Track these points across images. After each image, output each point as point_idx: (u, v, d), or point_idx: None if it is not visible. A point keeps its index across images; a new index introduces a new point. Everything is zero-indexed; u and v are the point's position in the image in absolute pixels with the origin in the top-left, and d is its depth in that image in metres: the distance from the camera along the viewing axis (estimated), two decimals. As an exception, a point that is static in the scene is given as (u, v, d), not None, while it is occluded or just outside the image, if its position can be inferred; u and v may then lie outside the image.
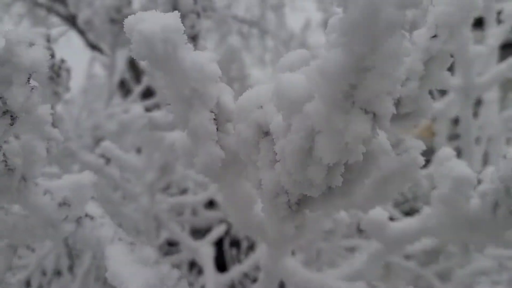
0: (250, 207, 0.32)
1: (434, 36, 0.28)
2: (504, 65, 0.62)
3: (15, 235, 0.32)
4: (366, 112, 0.17)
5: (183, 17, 0.49)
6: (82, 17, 0.88)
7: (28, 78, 0.24)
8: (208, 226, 0.96)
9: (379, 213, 0.40)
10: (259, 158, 0.26)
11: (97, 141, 0.78)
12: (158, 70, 0.25)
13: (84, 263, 0.93)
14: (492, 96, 0.86)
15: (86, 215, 0.36)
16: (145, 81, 1.00)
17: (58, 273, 1.09)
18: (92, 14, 0.86)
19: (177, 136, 0.64)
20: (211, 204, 1.10)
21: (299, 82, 0.19)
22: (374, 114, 0.18)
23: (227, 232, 1.53)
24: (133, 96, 1.00)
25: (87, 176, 0.35)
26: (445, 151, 0.38)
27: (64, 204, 0.34)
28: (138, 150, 1.05)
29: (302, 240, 0.35)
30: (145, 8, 0.91)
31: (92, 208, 0.39)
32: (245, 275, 1.06)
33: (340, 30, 0.15)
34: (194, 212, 0.93)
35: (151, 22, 0.24)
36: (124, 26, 0.25)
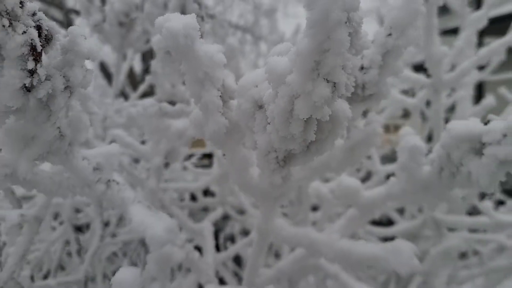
0: (247, 169, 0.40)
1: (389, 35, 0.37)
2: (467, 63, 0.71)
3: (60, 191, 0.40)
4: (327, 81, 0.26)
5: (190, 20, 0.58)
6: (92, 21, 0.96)
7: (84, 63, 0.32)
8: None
9: (353, 181, 0.49)
10: (255, 125, 0.34)
11: (106, 131, 0.85)
12: (180, 57, 0.33)
13: (92, 246, 1.00)
14: (466, 94, 0.96)
15: (113, 180, 0.44)
16: (148, 79, 1.08)
17: (68, 254, 1.16)
18: (102, 18, 0.95)
19: (181, 124, 0.72)
20: (206, 193, 1.19)
21: (283, 61, 0.27)
22: (334, 83, 0.26)
23: (222, 229, 1.61)
24: (138, 92, 1.08)
25: (115, 147, 0.43)
26: (406, 129, 0.46)
27: (97, 169, 0.42)
28: (143, 142, 1.13)
29: (287, 196, 0.43)
30: (149, 14, 1.00)
31: (116, 176, 0.47)
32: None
33: (307, 25, 0.23)
34: (193, 198, 1.01)
35: (175, 21, 0.32)
36: (155, 24, 0.33)
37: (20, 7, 0.27)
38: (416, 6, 0.35)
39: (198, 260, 0.56)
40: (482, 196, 0.98)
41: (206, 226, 0.70)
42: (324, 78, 0.25)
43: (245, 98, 0.34)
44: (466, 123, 0.37)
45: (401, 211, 1.12)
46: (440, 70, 0.69)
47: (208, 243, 0.69)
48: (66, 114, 0.35)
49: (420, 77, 0.74)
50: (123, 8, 0.89)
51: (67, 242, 1.31)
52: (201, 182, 0.91)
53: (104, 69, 3.62)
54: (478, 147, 0.36)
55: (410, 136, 0.42)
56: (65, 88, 0.32)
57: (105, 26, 0.96)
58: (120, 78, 1.04)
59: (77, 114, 0.36)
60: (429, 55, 0.66)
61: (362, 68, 0.38)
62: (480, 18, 0.75)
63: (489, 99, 0.89)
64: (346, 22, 0.23)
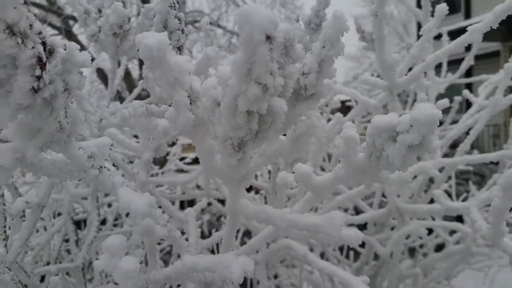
0: (213, 155, 0.48)
1: (323, 47, 0.45)
2: (417, 68, 0.79)
3: (60, 175, 0.48)
4: (258, 83, 0.34)
5: (171, 33, 0.66)
6: (89, 31, 1.04)
7: (80, 70, 0.40)
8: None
9: (306, 167, 0.57)
10: (214, 119, 0.43)
11: (102, 131, 0.93)
12: (155, 67, 0.42)
13: (89, 236, 1.08)
14: (423, 96, 1.05)
15: (105, 166, 0.52)
16: (141, 84, 1.16)
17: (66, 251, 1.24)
18: (98, 29, 1.03)
19: (167, 123, 0.80)
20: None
21: (228, 69, 0.35)
22: (265, 85, 0.35)
23: (208, 221, 1.69)
24: (131, 97, 1.17)
25: (106, 139, 0.52)
26: (347, 123, 0.55)
27: (91, 157, 0.50)
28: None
29: (248, 179, 0.51)
30: (141, 25, 1.08)
31: (107, 164, 0.55)
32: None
33: (240, 43, 0.32)
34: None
35: (150, 38, 0.40)
36: (136, 40, 0.42)
37: (29, 28, 0.36)
38: (341, 25, 0.43)
39: (180, 238, 0.65)
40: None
41: (190, 212, 0.78)
42: (255, 81, 0.34)
43: (207, 97, 0.43)
44: (387, 117, 0.45)
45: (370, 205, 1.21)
46: (393, 74, 0.78)
47: (191, 227, 0.77)
48: (65, 111, 0.43)
49: (378, 80, 0.82)
50: (117, 20, 0.98)
51: (66, 241, 1.38)
52: (188, 177, 0.99)
53: (102, 75, 3.71)
54: (394, 135, 0.45)
55: (348, 128, 0.51)
56: (64, 90, 0.40)
57: (101, 36, 1.04)
58: (115, 82, 1.12)
59: (74, 111, 0.44)
60: (382, 61, 0.75)
61: (303, 73, 0.47)
62: (430, 28, 0.84)
63: (443, 101, 0.98)
64: (266, 41, 0.32)
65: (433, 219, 1.27)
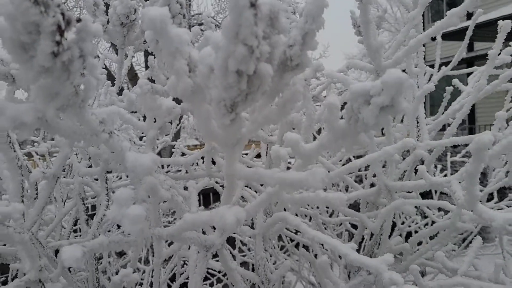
0: (209, 120, 0.54)
1: (306, 22, 0.51)
2: (400, 52, 0.85)
3: (75, 137, 0.54)
4: (245, 44, 0.39)
5: (173, 17, 0.72)
6: (98, 22, 1.10)
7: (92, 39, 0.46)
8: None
9: (294, 135, 0.62)
10: (210, 84, 0.48)
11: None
12: (157, 37, 0.47)
13: (99, 214, 1.14)
14: (412, 82, 1.10)
15: (114, 132, 0.58)
16: (146, 73, 1.22)
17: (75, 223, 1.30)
18: (107, 20, 1.09)
19: (170, 103, 0.86)
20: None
21: (219, 35, 0.41)
22: (251, 46, 0.40)
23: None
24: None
25: (114, 108, 0.57)
26: (330, 93, 0.60)
27: (102, 122, 0.56)
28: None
29: (242, 143, 0.57)
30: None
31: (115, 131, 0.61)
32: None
33: (228, 9, 0.37)
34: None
35: (154, 11, 0.46)
36: (141, 14, 0.47)
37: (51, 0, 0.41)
38: (321, 2, 0.49)
39: (182, 203, 0.70)
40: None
41: (191, 184, 0.84)
42: (242, 43, 0.39)
43: (203, 64, 0.48)
44: (362, 83, 0.51)
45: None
46: (379, 57, 0.83)
47: (193, 198, 0.83)
48: (80, 77, 0.48)
49: (366, 64, 0.87)
50: (124, 10, 1.03)
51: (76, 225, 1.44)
52: (190, 157, 1.05)
53: (107, 72, 3.79)
54: (368, 99, 0.50)
55: (330, 96, 0.56)
56: (80, 56, 0.45)
57: (109, 27, 1.10)
58: (123, 72, 1.18)
59: (88, 78, 0.50)
60: (368, 45, 0.80)
61: (289, 46, 0.52)
62: (415, 16, 0.89)
63: (429, 85, 1.03)
64: (251, 8, 0.37)
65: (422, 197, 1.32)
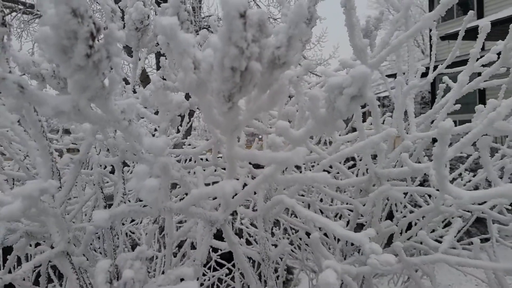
0: (211, 109, 0.64)
1: (290, 27, 0.61)
2: (384, 51, 0.94)
3: (101, 123, 0.65)
4: (236, 46, 0.50)
5: (182, 22, 0.83)
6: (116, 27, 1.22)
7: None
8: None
9: (284, 123, 0.73)
10: (211, 78, 0.59)
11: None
12: (168, 41, 0.58)
13: (116, 201, 1.26)
14: (400, 79, 1.20)
15: (133, 120, 0.69)
16: (158, 73, 1.34)
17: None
18: (123, 25, 1.21)
19: (180, 98, 0.97)
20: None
21: (216, 39, 0.52)
22: (241, 48, 0.51)
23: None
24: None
25: (133, 100, 0.68)
26: (315, 86, 0.70)
27: (123, 112, 0.67)
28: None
29: (239, 129, 0.68)
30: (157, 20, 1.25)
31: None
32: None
33: (222, 18, 0.48)
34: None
35: (166, 20, 0.57)
36: (154, 20, 0.58)
37: (85, 12, 0.52)
38: (301, 11, 0.59)
39: (190, 183, 0.81)
40: None
41: (199, 170, 0.95)
42: (234, 45, 0.50)
43: (205, 62, 0.59)
44: (337, 77, 0.61)
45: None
46: (364, 56, 0.93)
47: (199, 181, 0.94)
48: (106, 73, 0.60)
49: (354, 62, 0.98)
50: (139, 17, 1.15)
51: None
52: (198, 148, 1.16)
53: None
54: (341, 90, 0.60)
55: (313, 90, 0.67)
56: (107, 57, 0.57)
57: (125, 31, 1.22)
58: (137, 72, 1.29)
59: (112, 74, 0.61)
60: (354, 46, 0.90)
61: (277, 47, 0.63)
62: (398, 19, 0.99)
63: (415, 81, 1.13)
64: (240, 18, 0.48)
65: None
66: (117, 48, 0.57)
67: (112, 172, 1.55)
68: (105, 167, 1.60)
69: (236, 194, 0.82)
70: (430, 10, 18.60)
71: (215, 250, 2.79)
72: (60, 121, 0.66)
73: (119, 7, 1.27)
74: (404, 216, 1.29)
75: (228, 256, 2.48)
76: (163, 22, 0.56)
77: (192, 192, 0.70)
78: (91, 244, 1.55)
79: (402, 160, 0.98)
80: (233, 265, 2.48)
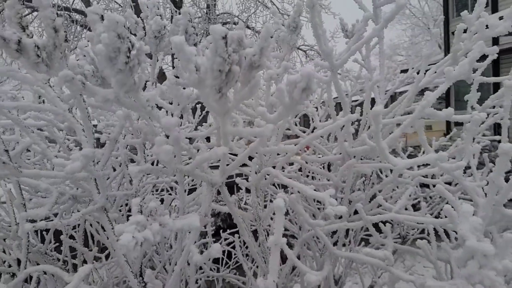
0: (208, 98, 0.93)
1: (261, 41, 0.89)
2: (346, 54, 1.21)
3: (133, 108, 0.94)
4: (220, 56, 0.79)
5: (189, 35, 1.12)
6: (138, 36, 1.52)
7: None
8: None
9: (262, 108, 1.01)
10: (207, 77, 0.88)
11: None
12: (178, 52, 0.87)
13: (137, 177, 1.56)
14: (377, 74, 1.46)
15: (155, 106, 0.98)
16: (173, 71, 1.63)
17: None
18: (144, 33, 1.50)
19: (188, 91, 1.26)
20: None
21: (208, 51, 0.81)
22: (223, 58, 0.80)
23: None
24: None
25: (154, 92, 0.97)
26: (281, 84, 0.98)
27: (147, 100, 0.96)
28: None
29: (230, 113, 0.96)
30: (173, 30, 1.55)
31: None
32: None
33: (211, 39, 0.77)
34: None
35: (176, 38, 0.85)
36: (171, 40, 0.87)
37: (125, 34, 0.81)
38: (268, 30, 0.87)
39: (195, 153, 1.10)
40: None
41: (202, 146, 1.24)
42: (219, 55, 0.79)
43: (203, 66, 0.87)
44: (294, 76, 0.89)
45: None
46: (331, 58, 1.20)
47: (202, 150, 1.23)
48: (136, 74, 0.89)
49: (324, 63, 1.24)
50: (157, 27, 1.44)
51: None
52: (205, 131, 1.45)
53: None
54: (296, 84, 0.88)
55: (280, 85, 0.95)
56: (138, 63, 0.86)
57: (146, 39, 1.51)
58: (155, 71, 1.59)
59: (141, 74, 0.90)
60: (322, 50, 1.17)
61: (254, 55, 0.91)
62: (368, 17, 1.26)
63: (377, 77, 1.39)
64: (223, 39, 0.77)
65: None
66: (145, 57, 0.86)
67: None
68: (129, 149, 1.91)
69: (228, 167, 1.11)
70: (445, 6, 18.52)
71: (217, 232, 3.08)
72: (105, 106, 0.95)
73: (140, 18, 1.57)
74: (371, 188, 1.56)
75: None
76: (174, 40, 0.85)
77: (196, 158, 0.99)
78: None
79: (361, 139, 1.25)
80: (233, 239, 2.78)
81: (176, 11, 12.36)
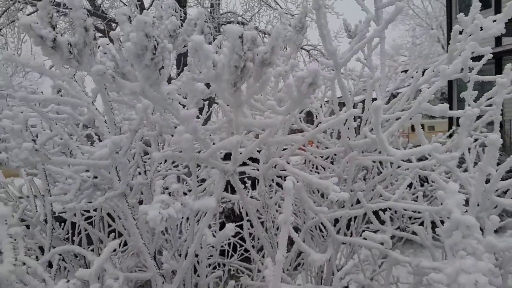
0: (224, 91, 1.03)
1: (272, 41, 0.99)
2: (348, 54, 1.31)
3: (155, 101, 1.04)
4: (237, 54, 0.89)
5: (205, 35, 1.22)
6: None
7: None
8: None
9: (272, 102, 1.11)
10: (223, 72, 0.98)
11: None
12: (197, 49, 0.97)
13: (153, 167, 1.66)
14: (377, 73, 1.56)
15: (173, 98, 1.08)
16: (186, 69, 1.73)
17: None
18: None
19: (202, 86, 1.36)
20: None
21: (225, 49, 0.90)
22: (239, 55, 0.89)
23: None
24: (179, 77, 1.74)
25: (172, 86, 1.07)
26: (289, 79, 1.08)
27: (168, 93, 1.06)
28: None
29: (243, 105, 1.06)
30: (185, 30, 1.65)
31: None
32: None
33: (228, 37, 0.87)
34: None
35: (196, 37, 0.95)
36: (191, 39, 0.97)
37: (151, 33, 0.91)
38: (279, 32, 0.97)
39: (208, 142, 1.20)
40: None
41: (216, 137, 1.33)
42: (235, 53, 0.88)
43: (220, 63, 0.97)
44: (302, 72, 0.99)
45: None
46: (335, 57, 1.30)
47: (216, 140, 1.33)
48: (161, 68, 0.98)
49: (328, 61, 1.34)
50: (172, 27, 1.54)
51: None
52: (217, 125, 1.55)
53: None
54: (303, 80, 0.98)
55: (288, 80, 1.05)
56: (162, 59, 0.95)
57: (161, 37, 1.61)
58: (169, 67, 1.69)
59: (164, 70, 1.00)
60: (327, 49, 1.27)
61: (265, 53, 1.01)
62: (360, 29, 1.36)
63: (377, 74, 1.49)
64: (239, 38, 0.86)
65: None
66: (168, 54, 0.96)
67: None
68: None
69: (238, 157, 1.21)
70: (448, 7, 18.58)
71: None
72: (132, 97, 1.06)
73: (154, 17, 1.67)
74: (372, 179, 1.65)
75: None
76: (194, 38, 0.94)
77: (211, 147, 1.09)
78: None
79: (363, 133, 1.34)
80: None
81: (181, 10, 12.45)
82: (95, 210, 2.00)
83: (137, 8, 12.67)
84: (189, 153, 1.05)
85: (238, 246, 2.99)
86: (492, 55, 1.68)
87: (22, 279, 0.85)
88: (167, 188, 1.24)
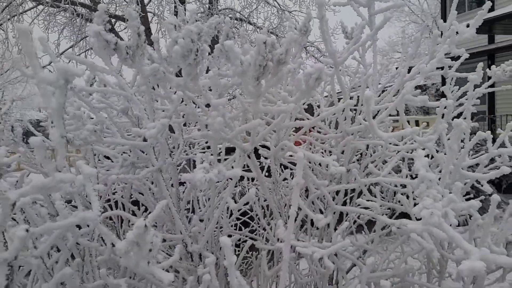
0: (248, 84, 1.30)
1: (286, 44, 1.27)
2: (345, 54, 1.58)
3: (193, 90, 1.31)
4: (261, 56, 1.17)
5: (229, 39, 1.49)
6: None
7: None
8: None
9: (284, 93, 1.38)
10: (249, 69, 1.25)
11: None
12: (229, 51, 1.24)
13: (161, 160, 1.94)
14: (371, 70, 1.84)
15: (207, 90, 1.35)
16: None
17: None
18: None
19: (225, 81, 1.63)
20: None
21: (252, 51, 1.18)
22: (263, 56, 1.17)
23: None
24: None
25: (206, 81, 1.35)
26: (298, 75, 1.35)
27: (202, 86, 1.33)
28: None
29: (262, 96, 1.33)
30: (207, 33, 1.92)
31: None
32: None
33: (255, 43, 1.14)
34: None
35: (228, 42, 1.22)
36: (225, 44, 1.24)
37: (196, 38, 1.19)
38: (292, 38, 1.25)
39: (235, 126, 1.48)
40: None
41: (236, 123, 1.61)
42: (260, 55, 1.16)
43: (246, 62, 1.24)
44: (311, 68, 1.27)
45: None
46: (335, 56, 1.57)
47: (236, 125, 1.61)
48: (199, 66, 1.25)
49: (328, 60, 1.61)
50: (197, 31, 1.82)
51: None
52: (234, 114, 1.82)
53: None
54: (311, 75, 1.26)
55: (298, 76, 1.32)
56: (202, 58, 1.23)
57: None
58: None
59: (201, 66, 1.27)
60: (328, 51, 1.54)
61: (281, 54, 1.28)
62: (355, 34, 1.63)
63: (370, 71, 1.77)
64: (263, 44, 1.14)
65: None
66: (206, 55, 1.23)
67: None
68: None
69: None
70: (442, 5, 18.89)
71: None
72: (177, 88, 1.33)
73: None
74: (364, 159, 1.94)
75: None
76: (227, 43, 1.22)
77: (237, 128, 1.37)
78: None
79: (358, 120, 1.63)
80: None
81: (180, 5, 12.65)
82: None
83: (138, 5, 12.90)
84: (219, 134, 1.33)
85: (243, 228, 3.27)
86: (485, 52, 1.95)
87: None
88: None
